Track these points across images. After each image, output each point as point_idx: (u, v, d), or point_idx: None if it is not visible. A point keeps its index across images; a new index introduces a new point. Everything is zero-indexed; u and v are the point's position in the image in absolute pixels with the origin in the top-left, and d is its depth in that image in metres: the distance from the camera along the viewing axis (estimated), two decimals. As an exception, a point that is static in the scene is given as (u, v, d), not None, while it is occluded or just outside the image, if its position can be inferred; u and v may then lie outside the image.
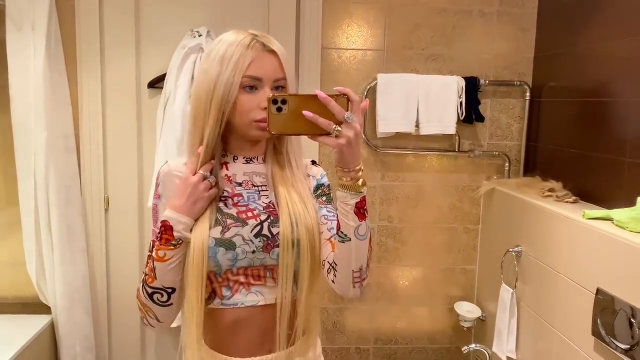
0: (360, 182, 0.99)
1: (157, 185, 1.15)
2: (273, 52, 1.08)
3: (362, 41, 2.33)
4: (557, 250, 1.78)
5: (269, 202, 1.13)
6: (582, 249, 1.63)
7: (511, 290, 2.06)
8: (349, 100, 0.94)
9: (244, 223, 1.09)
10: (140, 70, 2.30)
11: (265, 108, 1.04)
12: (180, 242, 1.05)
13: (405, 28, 2.33)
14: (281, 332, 1.10)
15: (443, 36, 2.34)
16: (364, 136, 2.33)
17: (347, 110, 0.93)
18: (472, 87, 2.29)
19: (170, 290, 1.08)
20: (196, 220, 1.08)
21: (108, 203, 2.36)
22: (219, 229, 1.08)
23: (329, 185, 1.21)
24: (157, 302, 1.08)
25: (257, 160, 1.17)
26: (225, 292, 1.10)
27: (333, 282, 1.09)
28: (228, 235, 1.07)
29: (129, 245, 2.39)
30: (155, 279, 1.06)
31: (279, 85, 1.09)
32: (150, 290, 1.07)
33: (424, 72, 2.32)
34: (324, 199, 1.18)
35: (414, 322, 2.54)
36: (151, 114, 2.29)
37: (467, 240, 2.49)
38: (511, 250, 2.06)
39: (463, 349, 2.25)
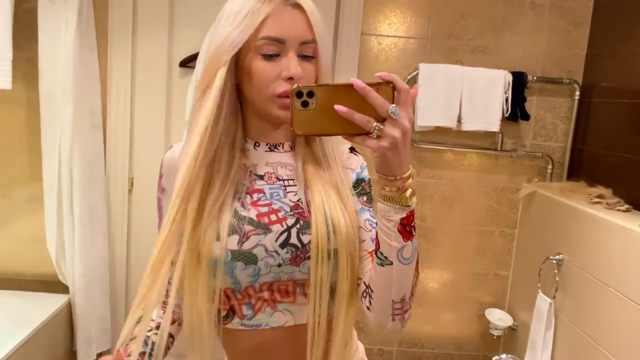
0: (407, 193, 0.76)
1: (160, 176, 0.95)
2: (298, 6, 0.85)
3: (404, 28, 2.22)
4: (606, 261, 1.65)
5: (297, 201, 0.91)
6: (636, 260, 1.50)
7: (549, 300, 1.93)
8: (394, 89, 0.72)
9: (267, 229, 0.88)
10: (172, 48, 2.23)
11: (290, 78, 0.84)
12: None
13: (451, 16, 2.21)
14: (313, 357, 0.88)
15: (491, 27, 2.21)
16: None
17: (392, 102, 0.72)
18: (519, 83, 2.16)
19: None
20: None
21: (132, 184, 2.30)
22: (236, 237, 0.87)
23: (369, 180, 0.98)
24: None
25: (283, 147, 0.95)
26: (246, 311, 0.90)
27: (368, 309, 0.87)
28: (247, 246, 0.87)
29: (152, 228, 2.31)
30: None
31: (306, 54, 0.86)
32: None
33: (469, 64, 2.20)
34: (365, 198, 0.95)
35: (441, 327, 2.43)
36: (181, 94, 2.22)
37: (503, 244, 2.37)
38: (551, 257, 1.94)
39: (493, 358, 2.13)
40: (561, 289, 1.91)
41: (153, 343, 0.89)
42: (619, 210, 1.78)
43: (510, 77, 2.15)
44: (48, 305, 2.16)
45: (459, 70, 2.14)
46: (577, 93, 2.23)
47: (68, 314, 2.24)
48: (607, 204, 1.83)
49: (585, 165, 2.21)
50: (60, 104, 2.08)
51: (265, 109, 0.87)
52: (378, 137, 0.71)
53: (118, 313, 2.35)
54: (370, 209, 0.94)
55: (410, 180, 0.76)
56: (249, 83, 0.86)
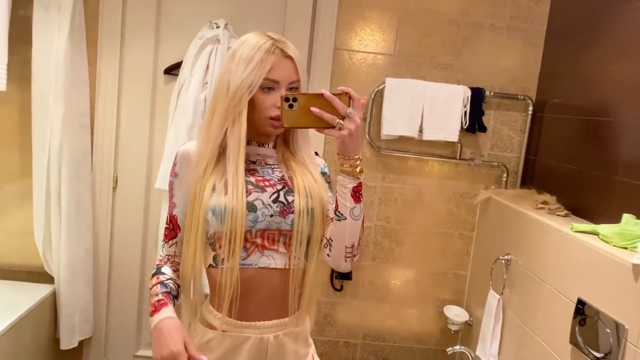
0: (358, 169, 1.14)
1: (175, 164, 1.27)
2: (290, 57, 1.21)
3: (373, 45, 2.41)
4: (544, 260, 1.84)
5: (282, 176, 1.26)
6: (567, 259, 1.69)
7: (498, 296, 2.12)
8: (350, 97, 1.09)
9: (263, 190, 1.22)
10: (158, 56, 2.38)
11: (280, 107, 1.16)
12: None
13: (416, 35, 2.40)
14: (292, 295, 1.22)
15: (453, 46, 2.41)
16: (367, 137, 2.41)
17: (349, 106, 1.09)
18: (477, 98, 2.36)
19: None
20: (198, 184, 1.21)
21: (116, 182, 2.44)
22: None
23: (329, 175, 1.37)
24: None
25: (268, 145, 1.30)
26: (242, 254, 1.21)
27: (328, 255, 1.24)
28: (250, 198, 1.20)
29: (133, 224, 2.47)
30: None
31: (293, 87, 1.21)
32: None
33: (432, 80, 2.39)
34: (327, 185, 1.32)
35: (403, 322, 2.61)
36: (165, 100, 2.36)
37: (461, 245, 2.56)
38: (501, 257, 2.12)
39: (447, 350, 2.31)
40: (509, 286, 2.10)
41: (171, 287, 1.25)
42: (558, 215, 1.97)
43: (469, 92, 2.34)
44: (34, 294, 2.27)
45: (422, 85, 2.33)
46: (531, 108, 2.42)
47: (52, 303, 2.35)
48: (549, 209, 2.01)
49: (536, 174, 2.41)
50: (51, 105, 2.20)
51: (261, 126, 1.22)
52: (340, 129, 1.09)
53: (100, 303, 2.48)
54: (329, 192, 1.31)
55: (359, 162, 1.14)
56: (252, 108, 1.20)
